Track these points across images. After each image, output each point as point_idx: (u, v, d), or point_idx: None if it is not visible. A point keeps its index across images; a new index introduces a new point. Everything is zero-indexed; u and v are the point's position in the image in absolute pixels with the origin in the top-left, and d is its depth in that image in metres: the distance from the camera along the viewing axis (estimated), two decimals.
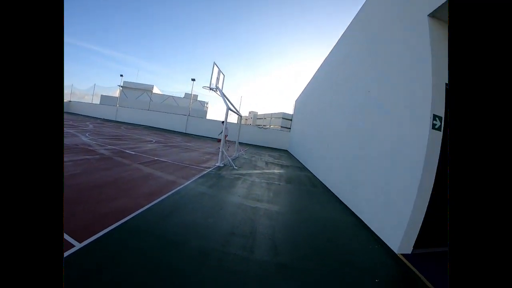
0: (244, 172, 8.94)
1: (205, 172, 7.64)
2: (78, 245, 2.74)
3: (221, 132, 15.57)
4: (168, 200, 4.65)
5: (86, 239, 2.88)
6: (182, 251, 2.95)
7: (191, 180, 6.35)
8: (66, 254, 2.59)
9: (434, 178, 4.11)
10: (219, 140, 16.47)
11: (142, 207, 4.05)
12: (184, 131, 28.64)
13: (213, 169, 8.41)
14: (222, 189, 6.17)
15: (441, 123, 4.08)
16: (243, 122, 21.14)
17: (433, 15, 4.19)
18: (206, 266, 2.74)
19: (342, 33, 10.26)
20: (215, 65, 10.30)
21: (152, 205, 4.20)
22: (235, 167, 9.44)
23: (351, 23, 9.00)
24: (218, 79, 10.80)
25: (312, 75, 17.95)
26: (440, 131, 4.09)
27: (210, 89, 10.29)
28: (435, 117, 4.01)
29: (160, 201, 4.51)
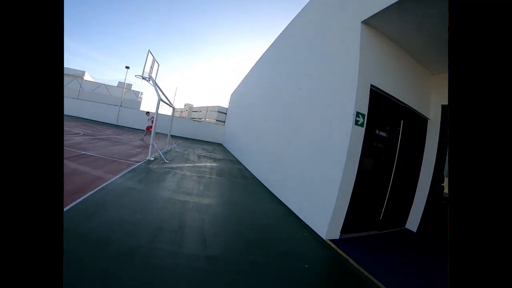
0: (175, 165, 8.72)
1: (135, 166, 7.22)
2: None
3: (150, 119, 15.58)
4: (93, 197, 4.28)
5: None
6: (106, 250, 2.78)
7: (119, 175, 6.00)
8: None
9: (356, 170, 4.45)
10: (148, 128, 16.27)
11: (64, 206, 3.67)
12: (115, 123, 27.03)
13: (143, 163, 8.06)
14: (151, 183, 5.97)
15: (363, 120, 4.43)
16: (178, 114, 20.49)
17: (366, 22, 4.50)
18: (132, 264, 2.55)
19: (281, 31, 10.50)
20: (149, 53, 9.71)
21: (75, 204, 3.81)
22: (166, 161, 9.17)
23: (291, 22, 9.19)
24: (152, 68, 10.17)
25: (249, 70, 18.05)
26: (363, 127, 4.44)
27: (143, 78, 9.70)
28: (358, 114, 4.35)
29: (84, 199, 4.11)
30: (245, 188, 7.47)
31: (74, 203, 3.94)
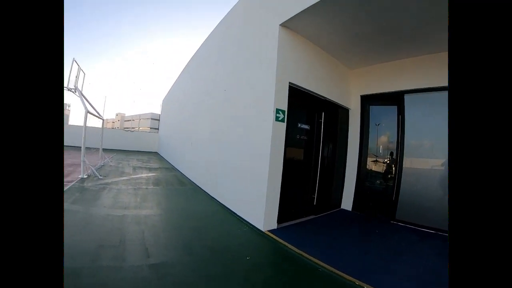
0: (110, 180, 8.43)
1: (67, 187, 6.87)
2: None
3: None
4: None
5: None
6: None
7: None
8: None
9: (282, 162, 4.81)
10: None
11: None
12: None
13: (76, 182, 7.65)
14: (86, 202, 5.76)
15: (284, 115, 4.80)
16: (109, 126, 19.15)
17: (284, 25, 4.80)
18: (78, 285, 2.60)
19: (208, 35, 10.50)
20: (74, 62, 9.19)
21: None
22: (100, 177, 8.79)
23: (217, 24, 9.30)
24: (77, 77, 9.62)
25: (178, 74, 17.77)
26: (284, 122, 4.81)
27: (68, 89, 9.17)
28: (278, 110, 4.70)
29: None
30: (182, 194, 7.51)
31: None
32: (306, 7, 4.15)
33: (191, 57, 13.81)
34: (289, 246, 3.99)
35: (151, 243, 3.76)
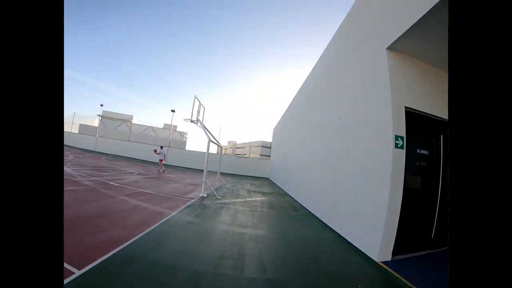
0: (228, 201, 9.10)
1: (190, 203, 7.69)
2: (77, 272, 2.89)
3: (159, 153, 18.11)
4: (157, 229, 4.79)
5: (85, 267, 3.01)
6: (176, 274, 3.15)
7: (177, 211, 6.35)
8: (66, 281, 2.73)
9: (402, 190, 4.55)
10: (160, 159, 18.60)
11: (134, 237, 4.20)
12: (165, 163, 28.28)
13: (197, 199, 8.45)
14: (208, 217, 6.40)
15: (403, 142, 4.59)
16: (222, 152, 20.97)
17: (390, 48, 4.80)
18: (200, 286, 2.98)
19: (315, 62, 10.92)
20: (196, 99, 10.70)
21: (143, 235, 4.34)
22: (218, 197, 9.59)
23: (322, 53, 9.57)
24: (198, 111, 11.12)
25: (289, 102, 18.46)
26: (403, 149, 4.59)
27: (191, 121, 10.54)
28: (397, 137, 4.54)
29: (150, 231, 4.65)
30: (296, 219, 7.65)
31: (141, 234, 4.39)
32: (411, 25, 4.08)
33: (300, 87, 14.33)
34: (403, 280, 3.81)
35: (267, 260, 3.98)
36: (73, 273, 2.87)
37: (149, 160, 27.90)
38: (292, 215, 8.15)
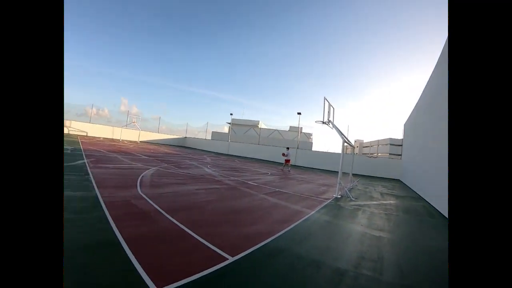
0: (362, 203, 8.95)
1: (326, 203, 7.77)
2: (231, 259, 3.19)
3: (287, 154, 19.27)
4: (299, 227, 5.08)
5: (237, 255, 3.33)
6: (320, 269, 3.39)
7: (315, 210, 6.71)
8: (221, 265, 3.04)
9: None
10: (286, 160, 19.51)
11: (278, 232, 4.50)
12: (293, 163, 28.92)
13: (332, 200, 8.46)
14: (345, 218, 6.58)
15: None
16: (349, 151, 20.14)
17: None
18: (344, 283, 3.13)
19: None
20: (325, 100, 10.84)
21: (287, 231, 4.66)
22: (352, 198, 9.47)
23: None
24: (329, 112, 11.15)
25: (420, 93, 16.66)
26: None
27: (323, 123, 10.62)
28: None
29: (292, 227, 4.95)
30: (434, 227, 7.13)
31: (285, 229, 4.72)
32: None
33: (429, 76, 12.98)
34: None
35: (406, 267, 3.97)
36: (227, 259, 3.18)
37: (277, 161, 28.99)
38: (429, 222, 7.67)
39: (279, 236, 4.35)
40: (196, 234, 3.93)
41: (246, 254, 3.42)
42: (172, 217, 4.61)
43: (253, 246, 3.70)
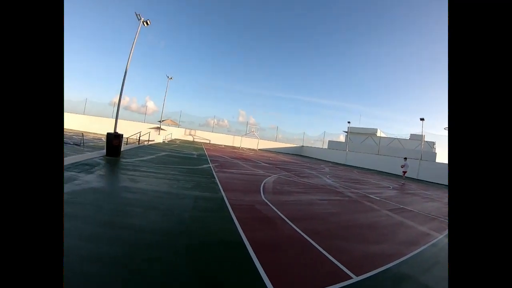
0: None
1: None
2: (355, 278, 3.06)
3: (404, 165, 18.95)
4: (426, 252, 4.62)
5: (361, 274, 3.19)
6: None
7: (444, 235, 5.88)
8: (345, 283, 2.91)
9: None
10: (404, 172, 19.45)
11: (404, 255, 4.19)
12: (415, 177, 26.28)
13: None
14: None
15: None
16: None
17: None
18: None
19: None
20: None
21: (413, 255, 4.30)
22: None
23: None
24: None
25: None
26: None
27: None
28: None
29: (419, 252, 4.54)
30: None
31: (411, 253, 4.35)
32: None
33: None
34: None
35: None
36: (351, 277, 3.07)
37: (397, 173, 26.57)
38: None
39: (404, 260, 4.06)
40: (319, 245, 3.88)
41: (371, 276, 3.28)
42: (296, 225, 4.62)
43: (377, 268, 3.54)
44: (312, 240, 4.10)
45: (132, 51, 13.15)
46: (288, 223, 4.80)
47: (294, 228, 4.54)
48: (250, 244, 3.53)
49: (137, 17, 13.61)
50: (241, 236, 3.82)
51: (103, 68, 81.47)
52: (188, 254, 3.13)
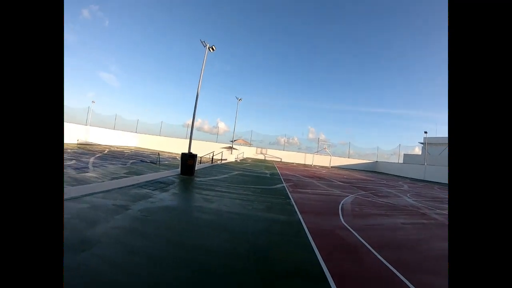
0: None
1: None
2: None
3: None
4: None
5: None
6: None
7: None
8: None
9: None
10: None
11: None
12: None
13: None
14: None
15: None
16: None
17: None
18: None
19: None
20: None
21: None
22: None
23: None
24: None
25: None
26: None
27: None
28: None
29: None
30: None
31: None
32: None
33: None
34: None
35: None
36: None
37: None
38: None
39: None
40: (409, 281, 3.43)
41: None
42: (380, 255, 4.24)
43: None
44: (400, 273, 3.65)
45: (201, 76, 13.54)
46: (371, 251, 4.44)
47: (378, 258, 4.18)
48: (332, 278, 3.23)
49: (203, 44, 13.88)
50: (321, 267, 3.52)
51: (176, 95, 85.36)
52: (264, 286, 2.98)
